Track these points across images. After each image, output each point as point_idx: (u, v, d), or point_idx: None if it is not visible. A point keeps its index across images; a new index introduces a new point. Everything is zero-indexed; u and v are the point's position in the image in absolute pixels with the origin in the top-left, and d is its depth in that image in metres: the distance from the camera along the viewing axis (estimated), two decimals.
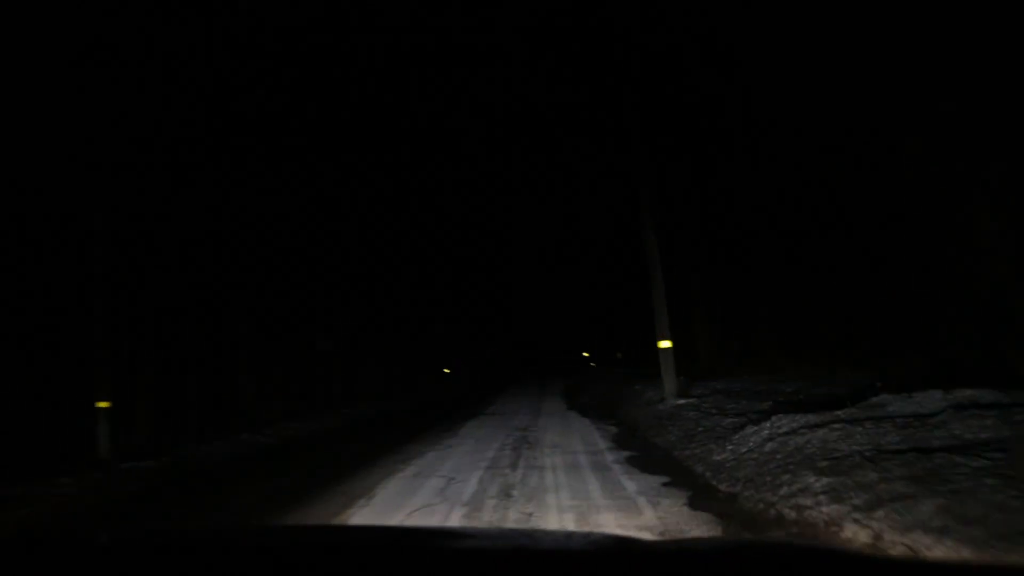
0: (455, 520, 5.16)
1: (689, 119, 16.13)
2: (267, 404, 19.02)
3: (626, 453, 8.67)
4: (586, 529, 4.70)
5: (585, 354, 55.18)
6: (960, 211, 8.48)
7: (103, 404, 10.66)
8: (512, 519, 5.12)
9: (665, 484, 6.17)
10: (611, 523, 4.78)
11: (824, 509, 4.39)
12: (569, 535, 3.32)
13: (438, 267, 37.35)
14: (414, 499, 6.05)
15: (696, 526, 4.67)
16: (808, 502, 4.60)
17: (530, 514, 5.24)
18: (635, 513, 5.06)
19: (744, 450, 6.96)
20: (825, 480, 4.82)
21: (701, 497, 5.60)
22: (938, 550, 3.34)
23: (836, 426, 6.41)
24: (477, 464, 8.12)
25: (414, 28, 16.77)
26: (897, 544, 3.59)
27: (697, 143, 17.14)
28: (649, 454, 8.54)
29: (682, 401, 12.41)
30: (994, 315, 8.15)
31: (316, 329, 23.07)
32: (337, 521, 5.39)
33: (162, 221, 14.24)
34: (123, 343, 13.39)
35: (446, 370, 43.16)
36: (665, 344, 13.36)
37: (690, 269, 21.50)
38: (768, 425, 7.53)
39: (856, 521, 4.03)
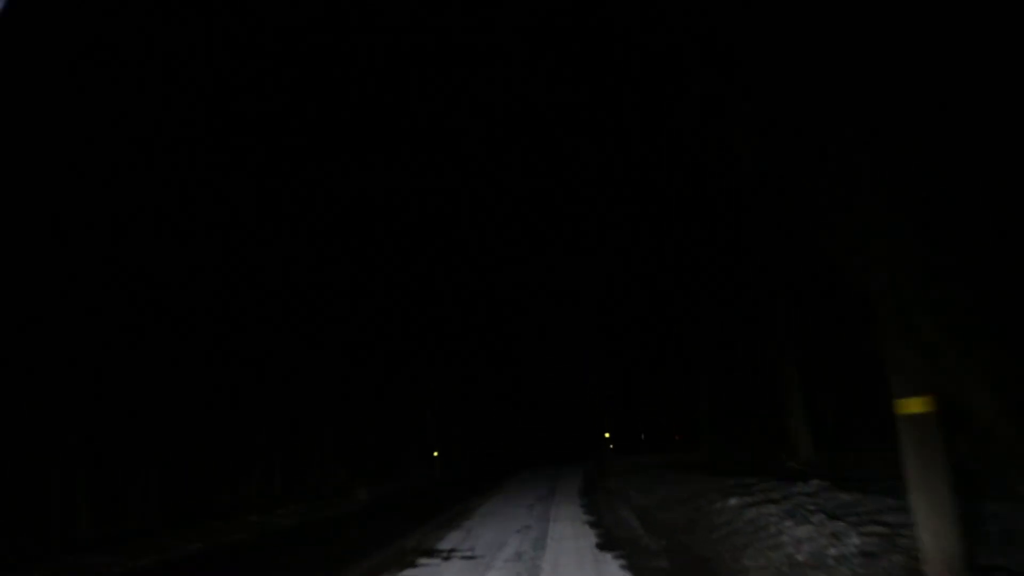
0: None
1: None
2: (124, 517, 13.46)
3: None
4: None
5: (607, 435, 47.81)
6: None
7: None
8: None
9: None
10: None
11: None
12: None
13: (439, 335, 32.50)
14: None
15: None
16: None
17: None
18: None
19: None
20: None
21: None
22: None
23: None
24: None
25: (414, 28, 16.76)
26: None
27: None
28: None
29: None
30: None
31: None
32: None
33: None
34: None
35: (435, 453, 35.86)
36: (919, 406, 4.89)
37: (772, 300, 14.48)
38: None
39: None
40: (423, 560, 8.69)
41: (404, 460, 31.12)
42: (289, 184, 18.67)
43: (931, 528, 4.67)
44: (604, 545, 8.93)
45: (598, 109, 17.88)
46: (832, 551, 5.97)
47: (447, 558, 8.74)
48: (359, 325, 24.08)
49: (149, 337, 13.69)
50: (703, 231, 20.12)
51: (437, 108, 21.50)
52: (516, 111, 20.37)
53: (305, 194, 19.64)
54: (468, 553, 8.95)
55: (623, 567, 7.50)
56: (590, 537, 9.68)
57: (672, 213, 21.42)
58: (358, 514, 16.28)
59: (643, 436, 41.96)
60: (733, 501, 9.31)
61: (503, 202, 29.27)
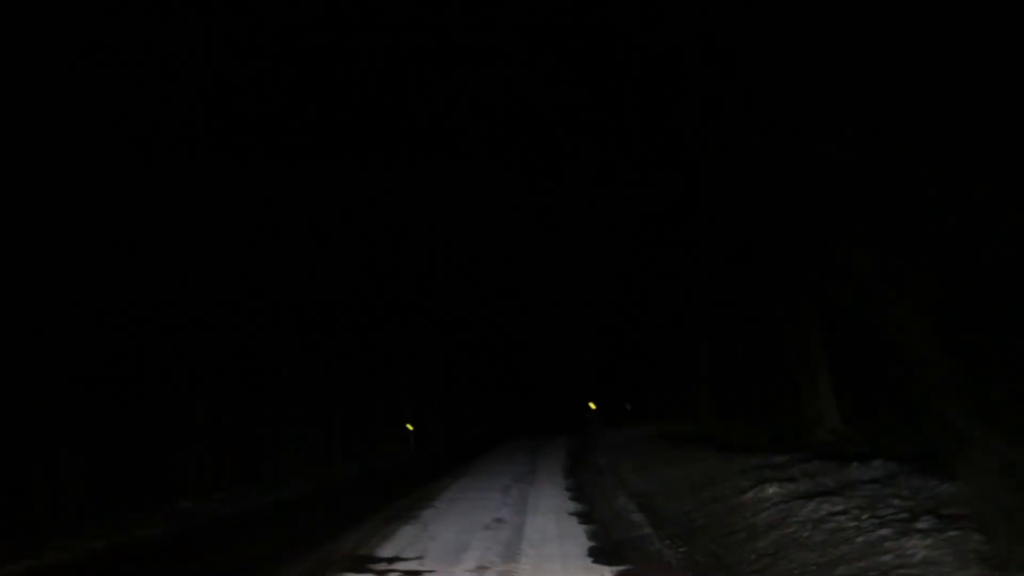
0: None
1: None
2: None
3: None
4: None
5: (592, 405, 48.25)
6: None
7: None
8: None
9: None
10: None
11: None
12: None
13: (420, 300, 31.13)
14: None
15: None
16: None
17: None
18: None
19: None
20: None
21: None
22: None
23: None
24: None
25: (414, 28, 16.78)
26: None
27: None
28: None
29: None
30: None
31: None
32: None
33: None
34: None
35: (409, 427, 33.99)
36: None
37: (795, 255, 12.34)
38: None
39: None
40: None
41: (375, 435, 29.17)
42: (289, 184, 18.66)
43: None
44: (600, 553, 6.63)
45: (598, 109, 17.91)
46: None
47: (383, 573, 6.57)
48: (332, 302, 22.47)
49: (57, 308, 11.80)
50: (705, 222, 19.40)
51: (437, 108, 21.51)
52: (516, 111, 20.39)
53: (305, 194, 19.63)
54: (414, 565, 6.76)
55: None
56: (580, 538, 7.47)
57: (672, 204, 20.81)
58: (306, 499, 14.78)
59: (629, 406, 40.41)
60: (772, 489, 6.95)
61: (502, 201, 29.25)
